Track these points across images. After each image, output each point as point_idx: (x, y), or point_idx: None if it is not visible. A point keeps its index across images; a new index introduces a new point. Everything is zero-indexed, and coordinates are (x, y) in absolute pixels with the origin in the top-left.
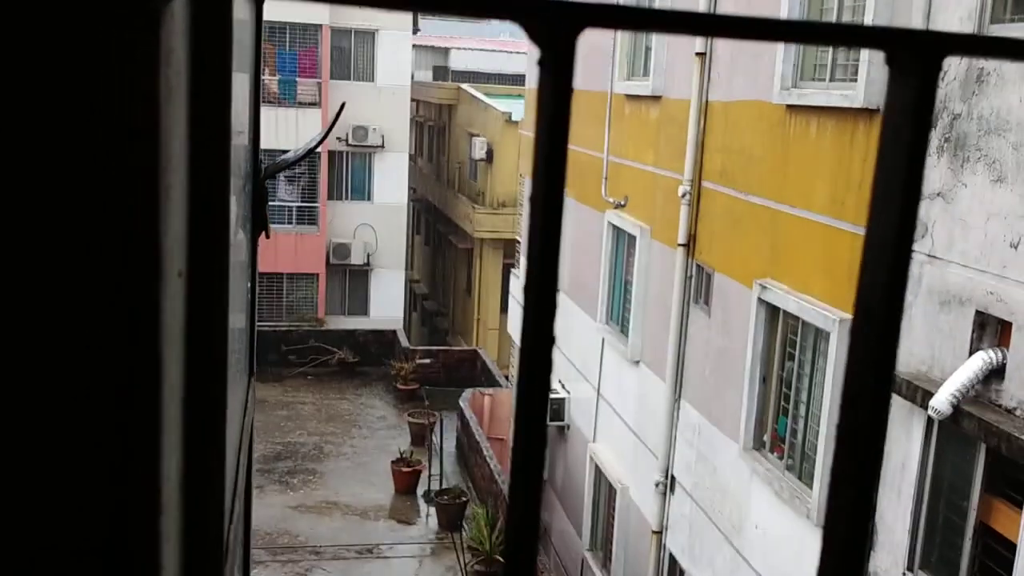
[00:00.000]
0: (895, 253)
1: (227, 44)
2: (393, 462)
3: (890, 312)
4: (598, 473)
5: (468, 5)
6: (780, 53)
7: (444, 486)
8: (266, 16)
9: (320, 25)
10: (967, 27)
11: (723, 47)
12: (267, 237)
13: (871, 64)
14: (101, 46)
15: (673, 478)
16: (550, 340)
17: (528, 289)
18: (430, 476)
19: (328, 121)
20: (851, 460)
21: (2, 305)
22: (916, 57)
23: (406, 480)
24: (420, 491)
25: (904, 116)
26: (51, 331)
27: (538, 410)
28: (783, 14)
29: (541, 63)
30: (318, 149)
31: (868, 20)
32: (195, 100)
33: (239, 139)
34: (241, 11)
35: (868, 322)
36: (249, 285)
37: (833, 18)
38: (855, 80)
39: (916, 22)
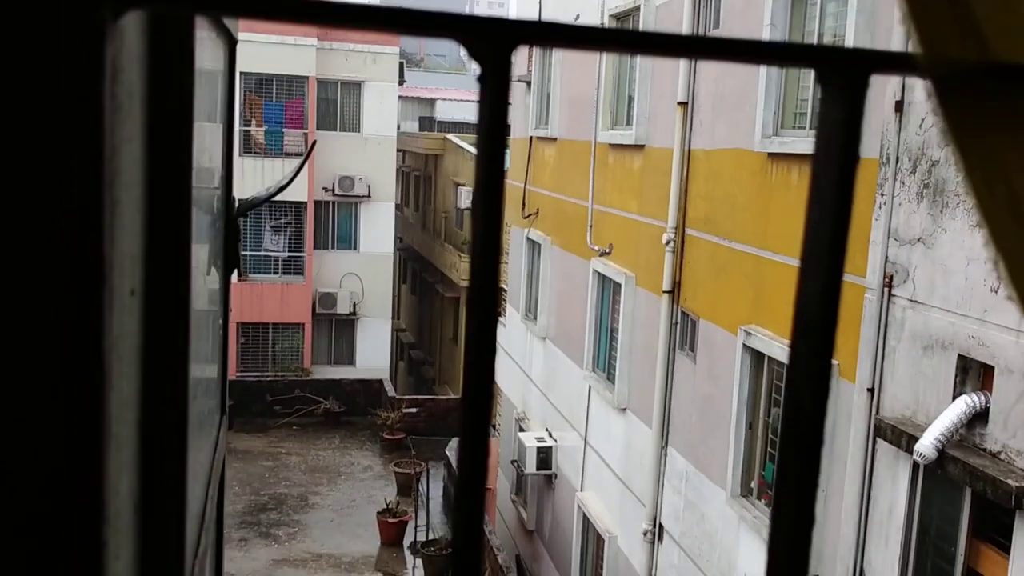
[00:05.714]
0: (829, 259)
1: (188, 70)
2: (379, 513)
3: (825, 319)
4: (586, 522)
5: (409, 24)
6: (761, 102)
7: (431, 537)
8: (253, 68)
9: (307, 77)
10: None
11: (705, 96)
12: (239, 276)
13: None
14: (40, 60)
15: (661, 526)
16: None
17: (470, 300)
18: (416, 527)
19: (315, 170)
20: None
21: None
22: (844, 74)
23: (392, 531)
24: (407, 542)
25: (835, 129)
26: None
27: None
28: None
29: (480, 79)
30: (304, 200)
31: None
32: (153, 119)
33: (210, 178)
34: (211, 54)
35: (806, 335)
36: (221, 322)
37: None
38: None
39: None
